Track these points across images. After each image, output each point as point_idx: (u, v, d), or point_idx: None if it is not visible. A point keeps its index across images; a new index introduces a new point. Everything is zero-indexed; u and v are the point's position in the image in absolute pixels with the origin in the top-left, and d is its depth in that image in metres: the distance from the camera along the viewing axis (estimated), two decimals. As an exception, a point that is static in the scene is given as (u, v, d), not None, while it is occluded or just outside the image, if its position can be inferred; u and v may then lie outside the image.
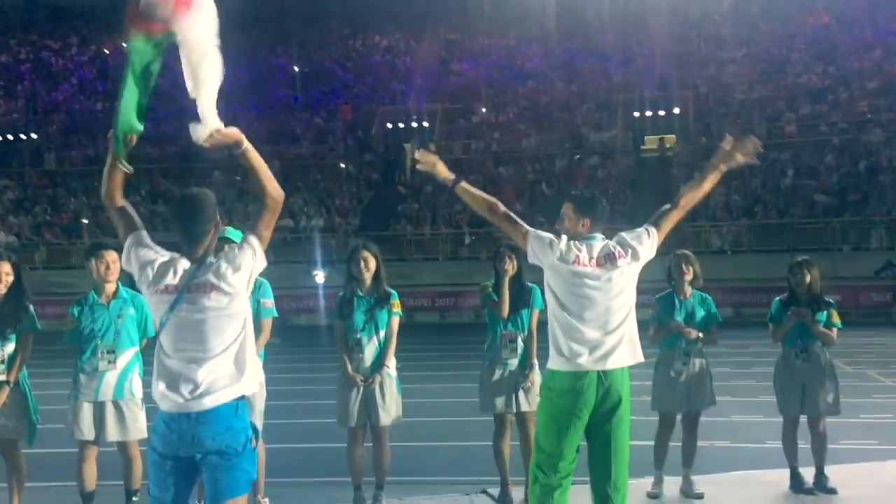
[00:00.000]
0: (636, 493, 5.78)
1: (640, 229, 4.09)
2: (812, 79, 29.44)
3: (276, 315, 5.50)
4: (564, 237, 4.02)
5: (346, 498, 5.53)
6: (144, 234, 3.25)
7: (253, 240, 3.19)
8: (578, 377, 3.89)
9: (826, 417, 5.78)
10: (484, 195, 4.09)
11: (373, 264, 5.55)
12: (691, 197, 4.13)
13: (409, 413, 8.59)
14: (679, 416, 5.83)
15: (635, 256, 4.00)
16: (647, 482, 5.84)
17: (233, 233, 5.39)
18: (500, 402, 5.58)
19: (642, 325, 4.07)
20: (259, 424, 5.32)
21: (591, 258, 3.94)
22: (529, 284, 5.70)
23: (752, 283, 20.49)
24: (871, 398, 9.60)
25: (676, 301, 5.78)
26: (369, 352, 5.48)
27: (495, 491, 5.72)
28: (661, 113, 29.85)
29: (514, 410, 5.59)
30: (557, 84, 32.61)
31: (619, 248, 3.99)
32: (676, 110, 29.73)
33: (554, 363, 3.98)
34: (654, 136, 29.57)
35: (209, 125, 3.18)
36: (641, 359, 4.02)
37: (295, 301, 20.97)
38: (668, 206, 4.15)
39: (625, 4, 38.62)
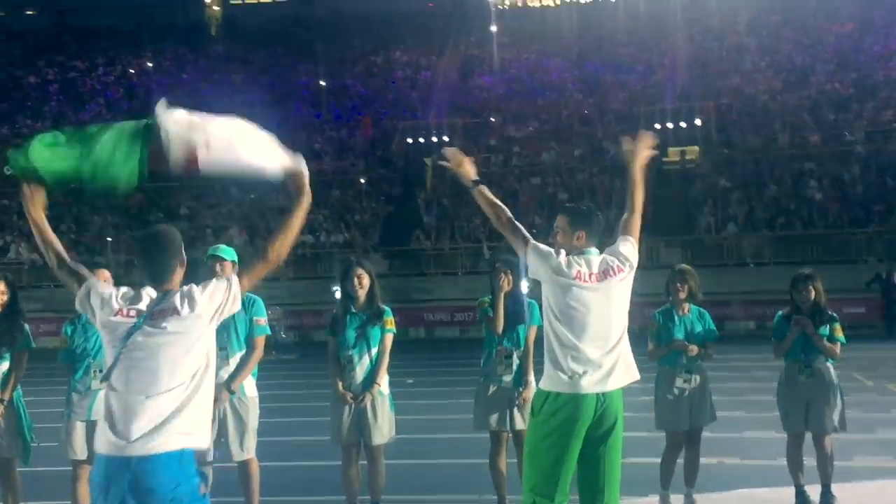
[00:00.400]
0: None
1: (622, 240, 4.04)
2: (836, 87, 29.09)
3: (268, 333, 5.49)
4: (563, 252, 3.92)
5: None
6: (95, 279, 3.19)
7: (234, 280, 3.10)
8: (578, 399, 3.76)
9: (832, 434, 5.64)
10: (496, 202, 4.01)
11: (366, 281, 5.52)
12: (638, 199, 4.17)
13: (417, 430, 8.56)
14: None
15: (632, 267, 3.96)
16: (650, 501, 5.73)
17: (226, 251, 5.40)
18: (494, 419, 5.52)
19: (640, 341, 3.99)
20: (252, 442, 5.33)
21: (591, 273, 3.86)
22: (528, 300, 5.64)
23: (774, 296, 20.17)
24: (889, 413, 9.38)
25: (676, 318, 5.68)
26: (361, 369, 5.43)
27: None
28: (683, 124, 29.62)
29: (509, 428, 5.53)
30: (578, 97, 32.53)
31: (616, 261, 3.92)
32: (698, 121, 29.49)
33: (551, 384, 3.84)
34: (676, 147, 29.37)
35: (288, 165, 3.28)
36: (637, 377, 3.92)
37: (314, 317, 21.00)
38: (625, 214, 4.15)
39: (646, 17, 38.59)
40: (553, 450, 3.78)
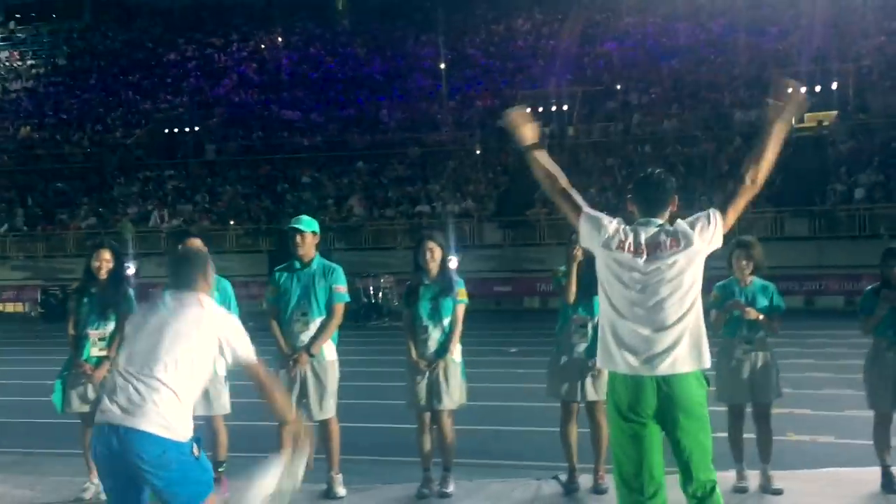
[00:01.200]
0: (721, 486, 5.63)
1: (702, 214, 3.66)
2: None
3: (348, 300, 5.72)
4: (615, 221, 3.68)
5: (417, 478, 5.69)
6: None
7: (251, 356, 3.61)
8: (630, 381, 3.55)
9: (922, 415, 5.39)
10: (551, 169, 3.74)
11: (438, 254, 5.68)
12: (757, 168, 3.63)
13: (506, 398, 8.69)
14: (749, 410, 5.60)
15: (688, 244, 3.55)
16: (732, 475, 5.66)
17: (307, 222, 5.66)
18: (565, 388, 5.57)
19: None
20: (332, 403, 5.61)
21: (637, 245, 3.57)
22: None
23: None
24: None
25: (736, 289, 5.53)
26: (434, 338, 5.61)
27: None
28: (818, 89, 28.08)
29: (580, 399, 5.58)
30: (704, 62, 31.37)
31: (671, 237, 3.58)
32: (835, 86, 27.90)
33: (603, 362, 3.71)
34: (810, 113, 27.92)
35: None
36: (707, 364, 3.61)
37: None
38: (742, 181, 3.65)
39: (782, -25, 36.64)
40: (622, 437, 3.60)
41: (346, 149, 29.53)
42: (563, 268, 5.70)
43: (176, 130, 32.80)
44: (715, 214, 3.65)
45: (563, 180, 3.76)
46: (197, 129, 32.52)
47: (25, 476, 6.26)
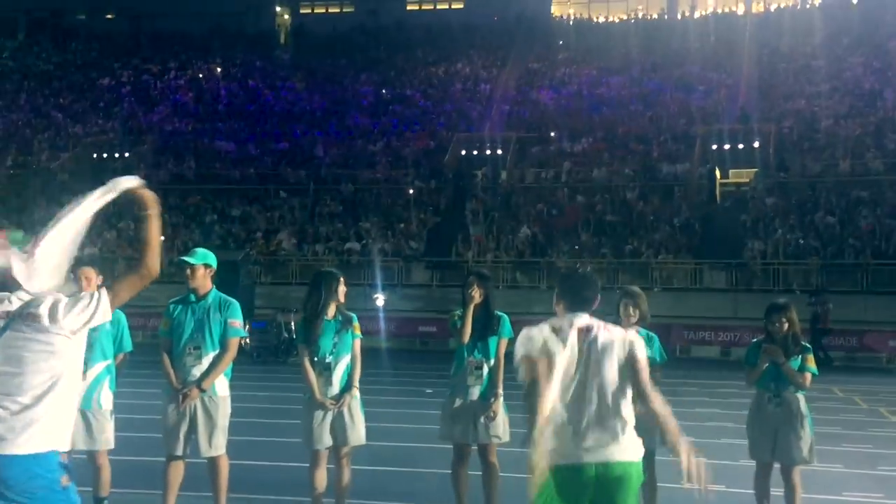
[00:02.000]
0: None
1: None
2: (904, 114, 28.25)
3: (242, 335, 5.68)
4: (545, 328, 3.68)
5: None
6: None
7: (104, 293, 3.19)
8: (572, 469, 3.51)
9: (801, 466, 5.57)
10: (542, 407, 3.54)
11: (342, 290, 5.69)
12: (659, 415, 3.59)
13: (403, 438, 8.69)
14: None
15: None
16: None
17: (198, 255, 5.58)
18: (458, 430, 5.61)
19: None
20: (222, 440, 5.52)
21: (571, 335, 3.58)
22: (498, 313, 5.73)
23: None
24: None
25: None
26: (338, 374, 5.59)
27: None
28: (741, 146, 29.13)
29: (472, 442, 5.61)
30: (635, 115, 32.27)
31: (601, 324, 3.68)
32: (756, 144, 28.96)
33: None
34: (733, 169, 28.91)
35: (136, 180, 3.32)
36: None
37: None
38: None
39: (714, 36, 38.06)
40: None
41: (278, 182, 29.37)
42: (458, 311, 5.77)
43: (105, 156, 32.18)
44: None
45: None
46: (127, 154, 31.98)
47: None
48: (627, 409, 3.59)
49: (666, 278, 22.64)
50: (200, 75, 40.01)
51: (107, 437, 5.49)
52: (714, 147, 29.06)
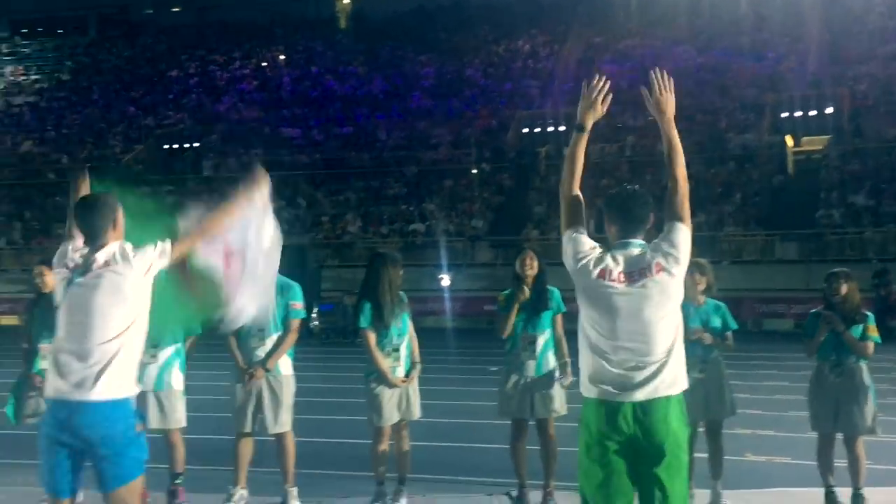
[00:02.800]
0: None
1: (671, 227, 3.47)
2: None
3: (304, 316, 5.85)
4: (598, 246, 3.50)
5: (370, 492, 5.80)
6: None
7: (166, 244, 3.51)
8: (607, 408, 3.36)
9: (864, 436, 5.49)
10: (580, 163, 3.56)
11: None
12: (676, 164, 3.63)
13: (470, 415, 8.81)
14: (702, 429, 5.71)
15: (676, 262, 3.42)
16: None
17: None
18: (515, 406, 5.69)
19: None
20: (287, 417, 5.73)
21: (620, 272, 3.39)
22: (550, 287, 5.79)
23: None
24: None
25: (691, 309, 5.64)
26: (404, 354, 5.77)
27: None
28: (813, 113, 28.30)
29: (529, 417, 5.69)
30: (701, 85, 31.57)
31: (657, 258, 3.40)
32: (829, 110, 28.09)
33: (582, 389, 3.49)
34: (805, 137, 28.12)
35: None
36: (685, 386, 3.46)
37: (419, 303, 21.53)
38: (668, 190, 3.56)
39: (780, 1, 36.91)
40: (592, 466, 3.39)
41: (343, 166, 29.76)
42: (507, 292, 5.84)
43: (175, 146, 33.07)
44: (677, 225, 3.48)
45: (577, 185, 3.57)
46: (196, 144, 32.79)
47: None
48: (670, 343, 3.41)
49: (735, 251, 22.22)
50: (264, 63, 40.64)
51: (178, 416, 5.74)
52: (785, 115, 28.29)
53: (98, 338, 3.33)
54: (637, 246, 3.45)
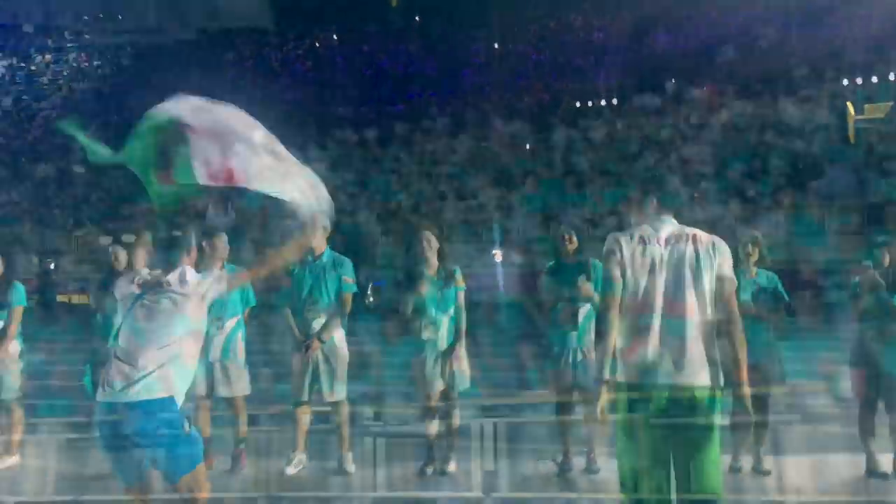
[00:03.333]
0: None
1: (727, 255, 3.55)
2: None
3: (355, 290, 6.12)
4: (624, 241, 3.57)
5: (422, 456, 6.07)
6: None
7: (225, 274, 4.16)
8: (641, 383, 3.42)
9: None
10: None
11: (435, 244, 6.05)
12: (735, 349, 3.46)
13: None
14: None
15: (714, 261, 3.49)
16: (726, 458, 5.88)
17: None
18: (559, 376, 5.88)
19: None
20: (342, 386, 6.02)
21: (656, 243, 3.51)
22: (592, 260, 5.94)
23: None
24: None
25: (743, 280, 5.75)
26: (445, 327, 6.04)
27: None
28: (875, 79, 27.51)
29: (573, 386, 5.88)
30: (757, 53, 30.90)
31: (692, 242, 3.49)
32: (893, 76, 27.28)
33: (619, 369, 3.52)
34: (867, 104, 27.38)
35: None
36: (717, 359, 3.45)
37: (474, 280, 21.72)
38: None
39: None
40: (630, 440, 3.46)
41: (396, 144, 29.98)
42: (551, 263, 6.03)
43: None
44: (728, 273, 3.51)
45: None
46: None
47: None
48: (709, 327, 3.42)
49: (792, 221, 21.86)
50: (317, 44, 41.01)
51: (243, 384, 6.09)
52: (846, 82, 27.57)
53: (153, 346, 3.76)
54: (670, 223, 3.58)
